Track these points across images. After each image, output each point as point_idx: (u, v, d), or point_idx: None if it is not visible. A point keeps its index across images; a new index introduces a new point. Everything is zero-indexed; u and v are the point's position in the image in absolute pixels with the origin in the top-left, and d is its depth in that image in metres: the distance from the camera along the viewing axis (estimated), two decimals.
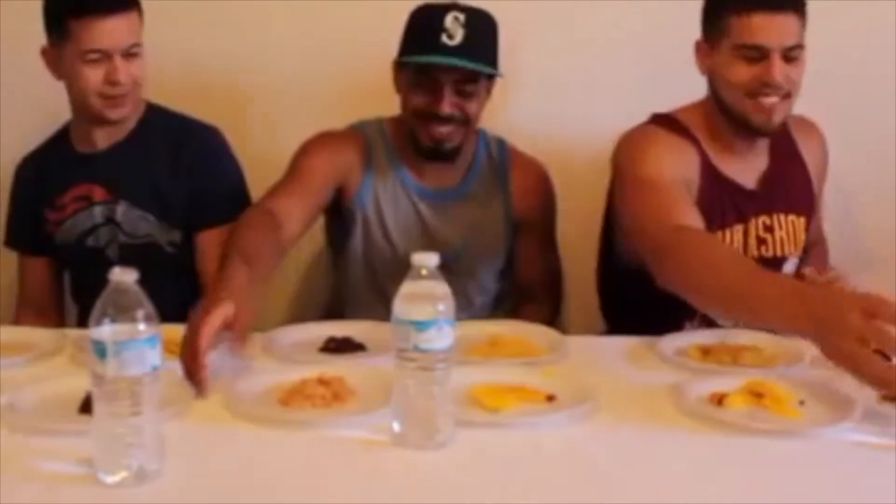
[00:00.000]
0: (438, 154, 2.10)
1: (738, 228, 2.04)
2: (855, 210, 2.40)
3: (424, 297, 1.33)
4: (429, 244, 2.01)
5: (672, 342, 1.79)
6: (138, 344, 1.23)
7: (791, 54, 1.92)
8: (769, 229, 2.07)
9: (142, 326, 1.24)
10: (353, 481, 1.29)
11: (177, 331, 1.70)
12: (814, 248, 2.25)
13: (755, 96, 1.95)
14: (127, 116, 2.12)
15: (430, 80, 2.03)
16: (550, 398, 1.51)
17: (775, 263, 2.07)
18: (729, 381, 1.56)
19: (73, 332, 1.77)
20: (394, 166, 2.15)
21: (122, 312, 1.23)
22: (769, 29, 1.90)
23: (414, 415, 1.35)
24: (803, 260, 2.15)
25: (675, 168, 1.95)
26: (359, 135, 2.17)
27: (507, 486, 1.28)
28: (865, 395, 1.52)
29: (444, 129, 2.05)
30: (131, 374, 1.23)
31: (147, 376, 1.24)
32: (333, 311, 2.27)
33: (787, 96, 1.96)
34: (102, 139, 2.16)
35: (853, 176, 2.39)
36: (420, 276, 1.34)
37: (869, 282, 2.35)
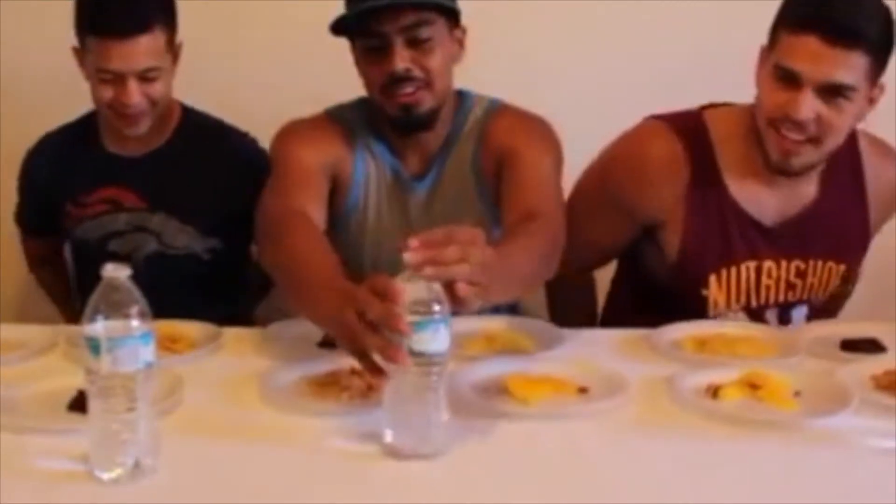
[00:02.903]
0: (412, 123, 1.84)
1: (751, 266, 1.86)
2: None
3: (417, 297, 1.28)
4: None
5: (667, 334, 1.79)
6: (132, 340, 1.22)
7: (835, 94, 1.68)
8: (801, 274, 1.88)
9: (135, 323, 1.23)
10: (348, 481, 1.29)
11: (171, 326, 1.71)
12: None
13: (774, 128, 1.74)
14: (144, 132, 2.05)
15: (376, 38, 1.78)
16: (582, 390, 1.52)
17: (794, 305, 1.93)
18: (724, 373, 1.55)
19: (66, 329, 1.76)
20: (380, 151, 1.93)
21: (116, 309, 1.23)
22: (812, 57, 1.66)
23: (407, 422, 1.31)
24: (821, 306, 1.97)
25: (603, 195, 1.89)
26: (335, 125, 1.93)
27: (500, 478, 1.28)
28: (861, 385, 1.52)
29: (407, 91, 1.80)
30: (125, 371, 1.22)
31: (141, 373, 1.23)
32: None
33: (816, 141, 1.73)
34: (136, 145, 2.10)
35: None
36: (413, 276, 1.29)
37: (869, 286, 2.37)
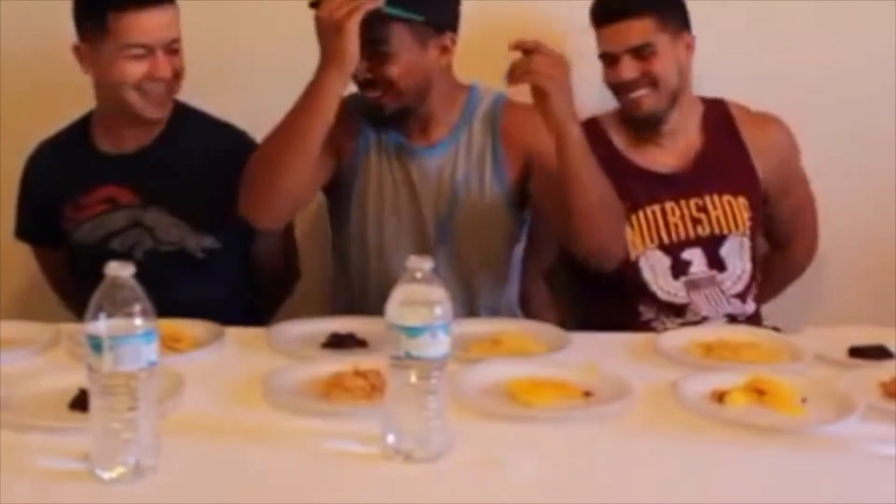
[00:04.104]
0: (380, 121, 2.01)
1: (655, 209, 2.18)
2: (855, 210, 2.39)
3: (418, 301, 1.29)
4: (415, 204, 2.03)
5: (673, 339, 1.79)
6: (134, 339, 1.22)
7: (641, 53, 2.10)
8: (702, 209, 2.19)
9: (138, 321, 1.23)
10: (350, 482, 1.29)
11: (173, 325, 1.71)
12: (796, 238, 2.37)
13: (620, 94, 2.16)
14: (163, 117, 2.06)
15: None
16: (587, 394, 1.52)
17: (714, 241, 2.19)
18: (730, 378, 1.55)
19: (69, 327, 1.76)
20: (387, 133, 2.05)
21: (118, 307, 1.22)
22: (612, 37, 2.12)
23: (408, 424, 1.31)
24: (755, 239, 2.24)
25: None
26: (345, 108, 1.99)
27: (503, 481, 1.27)
28: (869, 392, 1.52)
29: (372, 95, 1.96)
30: (127, 370, 1.22)
31: (143, 372, 1.23)
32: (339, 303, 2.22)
33: (654, 86, 2.12)
34: (130, 141, 2.10)
35: (852, 176, 2.38)
36: (414, 280, 1.30)
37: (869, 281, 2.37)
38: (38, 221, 2.20)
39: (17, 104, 2.44)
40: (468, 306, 2.04)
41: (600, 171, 1.90)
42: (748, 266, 2.21)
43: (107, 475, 1.24)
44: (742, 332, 1.87)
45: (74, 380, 1.41)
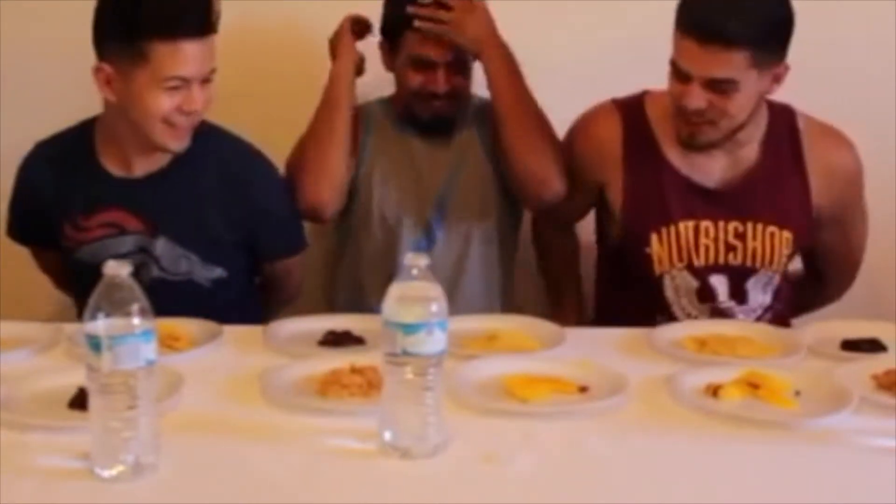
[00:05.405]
0: (437, 127, 2.18)
1: (689, 226, 1.98)
2: None
3: (414, 298, 1.30)
4: (416, 181, 2.18)
5: (667, 333, 1.80)
6: (133, 338, 1.23)
7: (720, 87, 1.84)
8: (740, 236, 1.98)
9: (136, 321, 1.24)
10: (347, 479, 1.30)
11: (172, 324, 1.72)
12: (829, 275, 2.17)
13: (677, 112, 1.92)
14: (184, 148, 1.91)
15: (425, 61, 2.10)
16: (583, 389, 1.53)
17: (742, 273, 2.00)
18: (724, 372, 1.56)
19: (69, 326, 1.76)
20: (396, 128, 2.22)
21: (117, 307, 1.23)
22: (694, 58, 1.83)
23: (405, 421, 1.32)
24: (788, 277, 2.07)
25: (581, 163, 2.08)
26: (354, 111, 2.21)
27: (500, 477, 1.28)
28: (862, 385, 1.53)
29: (440, 105, 2.14)
30: (126, 369, 1.23)
31: (142, 370, 1.24)
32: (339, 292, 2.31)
33: (712, 123, 1.89)
34: (142, 165, 1.95)
35: None
36: (411, 277, 1.31)
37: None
38: (32, 226, 2.10)
39: (17, 105, 2.44)
40: (461, 269, 2.20)
41: (529, 91, 2.05)
42: (768, 300, 2.03)
43: (106, 473, 1.25)
44: (735, 327, 1.88)
45: (74, 379, 1.42)
